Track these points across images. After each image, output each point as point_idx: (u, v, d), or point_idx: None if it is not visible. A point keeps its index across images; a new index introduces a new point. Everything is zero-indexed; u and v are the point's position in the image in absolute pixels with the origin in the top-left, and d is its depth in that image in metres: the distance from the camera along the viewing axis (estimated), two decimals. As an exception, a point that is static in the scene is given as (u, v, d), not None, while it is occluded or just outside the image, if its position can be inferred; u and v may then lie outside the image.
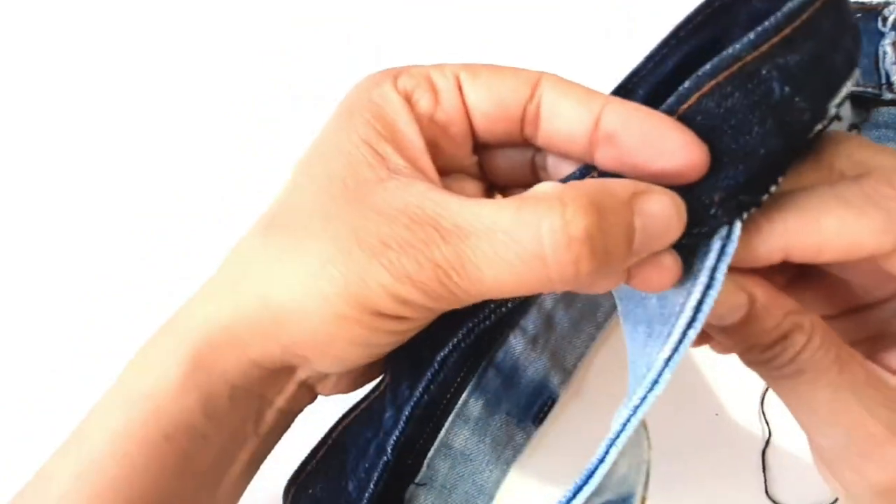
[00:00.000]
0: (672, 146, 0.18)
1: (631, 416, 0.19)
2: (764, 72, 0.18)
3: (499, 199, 0.18)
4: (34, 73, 0.45)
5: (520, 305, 0.34)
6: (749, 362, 0.21)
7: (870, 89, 0.44)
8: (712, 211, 0.18)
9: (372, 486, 0.24)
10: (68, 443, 0.22)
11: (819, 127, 0.19)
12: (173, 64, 0.46)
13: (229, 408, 0.21)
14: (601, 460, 0.19)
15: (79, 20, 0.46)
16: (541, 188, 0.18)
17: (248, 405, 0.22)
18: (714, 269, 0.18)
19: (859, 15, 0.45)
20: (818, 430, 0.21)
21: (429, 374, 0.22)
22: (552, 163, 0.22)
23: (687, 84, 0.18)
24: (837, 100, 0.19)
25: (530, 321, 0.35)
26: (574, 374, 0.36)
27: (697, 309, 0.18)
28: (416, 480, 0.32)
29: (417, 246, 0.18)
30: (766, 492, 0.36)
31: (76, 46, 0.46)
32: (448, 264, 0.17)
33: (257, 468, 0.25)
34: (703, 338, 0.23)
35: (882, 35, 0.45)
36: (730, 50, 0.18)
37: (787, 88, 0.18)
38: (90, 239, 0.42)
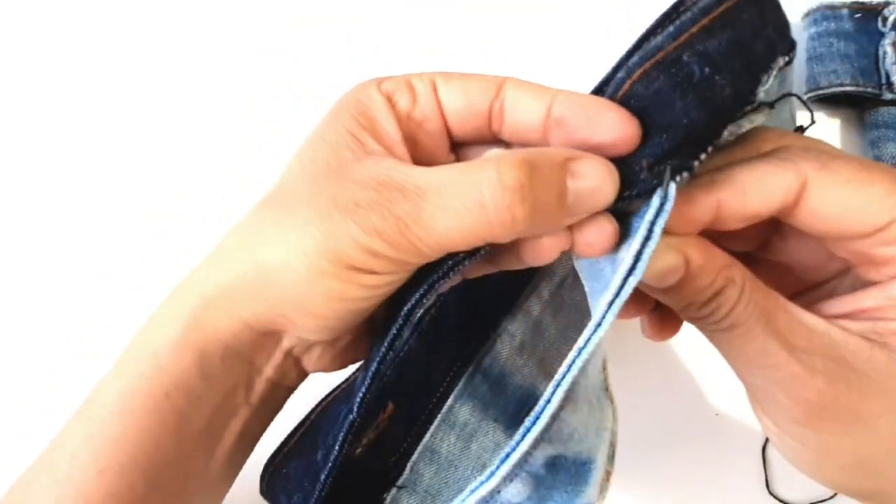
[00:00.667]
0: (608, 123, 0.21)
1: (575, 357, 0.20)
2: (685, 57, 0.21)
3: (451, 166, 0.21)
4: (34, 74, 0.45)
5: (506, 308, 0.34)
6: (688, 319, 0.24)
7: (870, 89, 0.44)
8: (642, 175, 0.21)
9: (337, 447, 0.24)
10: (81, 408, 0.25)
11: (748, 108, 0.22)
12: (173, 64, 0.46)
13: (221, 369, 0.24)
14: (548, 401, 0.20)
15: (79, 20, 0.46)
16: (489, 152, 0.21)
17: (239, 369, 0.25)
18: (652, 224, 0.21)
19: (859, 15, 0.45)
20: (750, 373, 0.23)
21: (394, 328, 0.23)
22: None
23: (621, 74, 0.22)
24: (765, 84, 0.22)
25: (517, 327, 0.34)
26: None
27: (637, 258, 0.20)
28: (399, 483, 0.31)
29: (384, 204, 0.21)
30: (767, 487, 0.37)
31: (76, 47, 0.46)
32: (408, 216, 0.20)
33: (250, 446, 0.27)
34: (640, 306, 0.26)
35: (882, 35, 0.45)
36: (654, 41, 0.21)
37: (707, 69, 0.21)
38: (90, 239, 0.42)
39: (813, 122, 0.26)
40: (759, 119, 0.23)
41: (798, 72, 0.46)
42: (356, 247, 0.21)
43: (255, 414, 0.26)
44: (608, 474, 0.23)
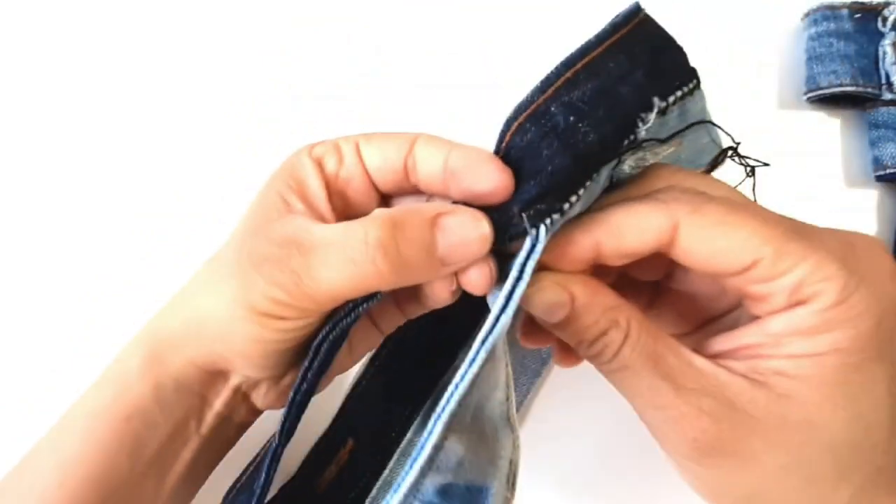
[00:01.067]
0: (486, 174, 0.23)
1: (453, 391, 0.22)
2: (553, 108, 0.23)
3: (342, 223, 0.24)
4: (34, 74, 0.45)
5: (464, 342, 0.33)
6: (584, 356, 0.25)
7: (870, 89, 0.44)
8: (514, 220, 0.23)
9: (263, 475, 0.26)
10: (55, 424, 0.28)
11: (626, 147, 0.24)
12: (173, 64, 0.46)
13: (175, 400, 0.27)
14: (430, 433, 0.22)
15: (79, 20, 0.46)
16: (374, 212, 0.24)
17: (190, 402, 0.28)
18: (523, 264, 0.23)
19: (859, 15, 0.45)
20: (644, 412, 0.25)
21: (305, 361, 0.25)
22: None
23: (502, 128, 0.24)
24: (647, 122, 0.23)
25: None
26: (520, 412, 0.35)
27: (508, 297, 0.22)
28: None
29: (283, 259, 0.24)
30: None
31: (76, 47, 0.46)
32: (301, 270, 0.23)
33: (200, 477, 0.30)
34: (546, 336, 0.27)
35: (882, 35, 0.45)
36: (525, 96, 0.24)
37: (571, 118, 0.23)
38: (90, 239, 0.42)
39: (737, 143, 0.27)
40: (665, 150, 0.25)
41: (798, 72, 0.46)
42: (262, 297, 0.24)
43: (205, 445, 0.29)
44: (507, 501, 0.24)
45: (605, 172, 0.24)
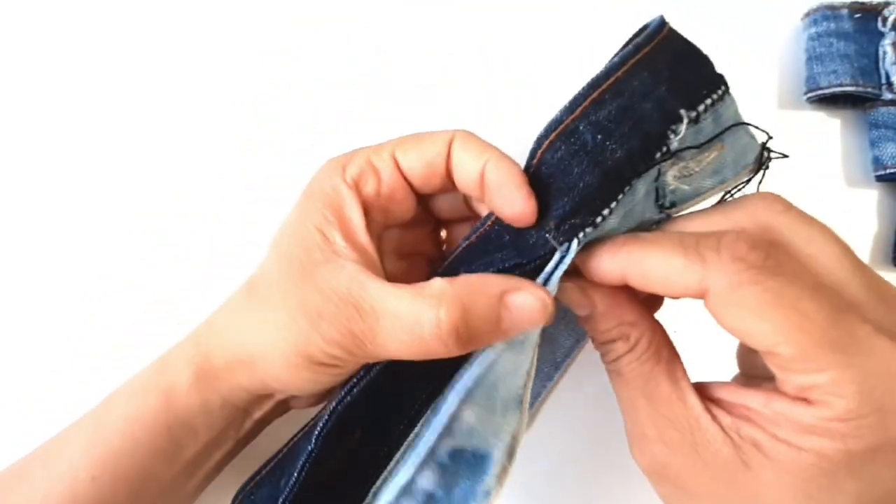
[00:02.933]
0: (515, 200, 0.25)
1: (467, 371, 0.25)
2: (581, 127, 0.24)
3: (402, 289, 0.25)
4: (34, 74, 0.45)
5: None
6: (595, 347, 0.27)
7: (870, 89, 0.44)
8: (550, 235, 0.25)
9: (296, 473, 0.27)
10: (84, 418, 0.29)
11: (659, 158, 0.25)
12: (173, 64, 0.46)
13: (219, 415, 0.28)
14: (447, 402, 0.25)
15: (79, 20, 0.46)
16: (431, 285, 0.25)
17: (234, 415, 0.29)
18: (550, 273, 0.25)
19: (859, 15, 0.45)
20: (623, 415, 0.26)
21: (354, 378, 0.27)
22: (476, 202, 0.30)
23: (533, 145, 0.25)
24: (679, 133, 0.24)
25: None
26: (534, 416, 0.36)
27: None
28: None
29: (343, 321, 0.24)
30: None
31: (76, 47, 0.46)
32: (363, 335, 0.25)
33: (222, 469, 0.31)
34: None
35: (882, 35, 0.45)
36: (555, 115, 0.25)
37: (599, 137, 0.24)
38: (90, 239, 0.42)
39: (770, 137, 0.28)
40: (708, 156, 0.26)
41: (798, 72, 0.46)
42: (319, 351, 0.25)
43: (237, 446, 0.30)
44: (505, 468, 0.27)
45: (640, 185, 0.25)
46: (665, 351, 0.26)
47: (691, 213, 0.27)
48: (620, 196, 0.25)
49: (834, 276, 0.23)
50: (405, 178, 0.27)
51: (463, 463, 0.26)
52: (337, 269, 0.25)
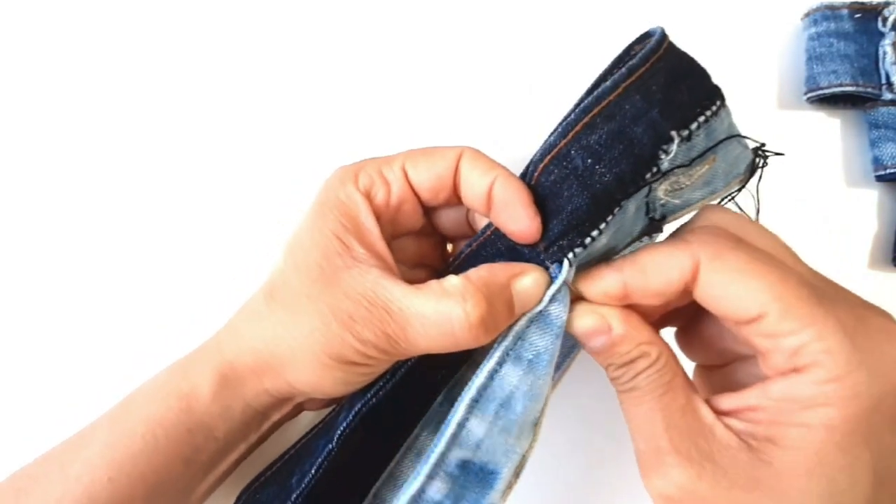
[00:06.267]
0: (521, 218, 0.26)
1: (473, 382, 0.26)
2: (573, 152, 0.25)
3: (425, 289, 0.26)
4: (34, 74, 0.45)
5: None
6: (609, 375, 0.27)
7: (870, 89, 0.44)
8: (541, 256, 0.26)
9: (313, 471, 0.28)
10: (102, 419, 0.29)
11: (648, 175, 0.25)
12: (173, 64, 0.46)
13: (240, 419, 0.29)
14: (454, 413, 0.26)
15: (79, 20, 0.46)
16: (448, 281, 0.26)
17: (253, 418, 0.30)
18: (552, 295, 0.26)
19: (859, 15, 0.45)
20: (634, 436, 0.26)
21: (381, 381, 0.28)
22: (475, 218, 0.31)
23: (530, 168, 0.26)
24: (670, 153, 0.25)
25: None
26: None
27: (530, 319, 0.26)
28: None
29: (375, 322, 0.26)
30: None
31: (76, 46, 0.46)
32: (395, 335, 0.26)
33: (233, 470, 0.31)
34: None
35: (882, 35, 0.45)
36: (549, 139, 0.26)
37: (589, 160, 0.25)
38: (91, 239, 0.42)
39: (762, 145, 0.28)
40: (699, 170, 0.26)
41: (798, 72, 0.46)
42: (353, 351, 0.26)
43: (252, 447, 0.31)
44: (511, 485, 0.27)
45: (631, 204, 0.26)
46: (679, 366, 0.26)
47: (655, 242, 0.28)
48: (610, 217, 0.26)
49: (788, 262, 0.25)
50: (413, 191, 0.28)
51: (472, 475, 0.27)
52: (361, 275, 0.26)
